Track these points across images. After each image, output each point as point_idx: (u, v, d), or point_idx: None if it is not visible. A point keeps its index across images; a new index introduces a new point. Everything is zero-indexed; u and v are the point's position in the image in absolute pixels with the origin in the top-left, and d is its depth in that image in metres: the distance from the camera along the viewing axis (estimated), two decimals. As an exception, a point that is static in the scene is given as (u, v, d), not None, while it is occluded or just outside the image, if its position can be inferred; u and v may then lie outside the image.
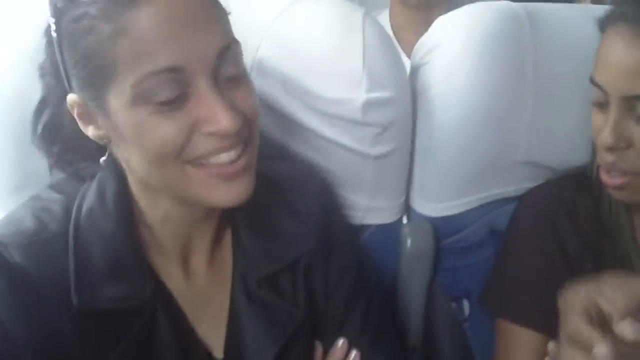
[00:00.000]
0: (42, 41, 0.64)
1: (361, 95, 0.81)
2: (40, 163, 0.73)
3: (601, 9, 0.91)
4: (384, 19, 1.43)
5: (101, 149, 0.66)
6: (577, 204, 0.84)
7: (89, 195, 0.67)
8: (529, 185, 0.92)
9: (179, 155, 0.60)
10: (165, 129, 0.59)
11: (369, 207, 0.89)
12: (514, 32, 0.87)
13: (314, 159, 0.86)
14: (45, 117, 0.68)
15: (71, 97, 0.63)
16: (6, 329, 0.59)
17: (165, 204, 0.68)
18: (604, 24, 0.76)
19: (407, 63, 0.91)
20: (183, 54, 0.58)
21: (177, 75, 0.58)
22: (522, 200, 0.91)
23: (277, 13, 0.82)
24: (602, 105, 0.75)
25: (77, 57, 0.59)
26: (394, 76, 0.84)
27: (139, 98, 0.58)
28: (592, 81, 0.75)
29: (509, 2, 0.91)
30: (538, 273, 0.84)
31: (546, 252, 0.84)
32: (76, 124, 0.64)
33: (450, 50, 0.87)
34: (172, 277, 0.71)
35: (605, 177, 0.77)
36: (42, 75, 0.67)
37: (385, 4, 1.45)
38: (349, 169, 0.87)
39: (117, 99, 0.59)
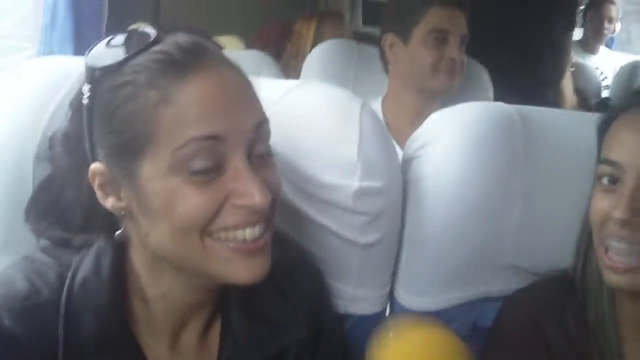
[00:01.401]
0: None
1: (354, 183, 0.81)
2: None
3: (590, 115, 0.95)
4: (376, 106, 1.45)
5: (93, 223, 0.67)
6: (564, 305, 0.84)
7: (85, 265, 0.65)
8: (513, 287, 0.91)
9: (206, 227, 0.61)
10: (198, 199, 0.60)
11: (353, 296, 0.88)
12: (506, 131, 0.89)
13: (301, 243, 0.85)
14: (49, 193, 0.68)
15: (96, 166, 0.63)
16: None
17: (169, 282, 0.67)
18: (615, 113, 0.81)
19: (397, 150, 0.92)
20: (225, 125, 0.61)
21: (217, 144, 0.60)
22: (507, 300, 0.90)
23: (276, 98, 0.84)
24: (611, 186, 0.78)
25: (113, 125, 0.60)
26: (387, 166, 0.85)
27: (177, 165, 0.59)
28: (605, 161, 0.79)
29: (502, 103, 0.93)
30: None
31: (531, 350, 0.82)
32: (77, 197, 0.65)
33: (444, 145, 0.88)
34: (158, 355, 0.69)
35: (609, 261, 0.77)
36: (52, 146, 0.68)
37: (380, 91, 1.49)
38: (336, 255, 0.86)
39: (152, 167, 0.60)
